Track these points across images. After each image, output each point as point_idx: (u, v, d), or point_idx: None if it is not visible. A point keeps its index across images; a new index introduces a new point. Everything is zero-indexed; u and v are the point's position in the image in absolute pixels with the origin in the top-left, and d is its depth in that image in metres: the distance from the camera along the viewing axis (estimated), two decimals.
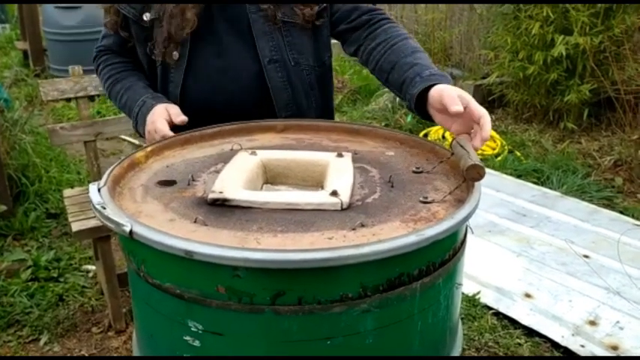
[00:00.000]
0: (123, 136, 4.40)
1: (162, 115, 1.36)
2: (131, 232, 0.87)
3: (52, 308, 2.51)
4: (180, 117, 1.37)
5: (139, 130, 1.46)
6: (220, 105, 1.43)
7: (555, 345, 2.27)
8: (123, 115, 1.53)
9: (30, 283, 2.64)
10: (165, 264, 0.89)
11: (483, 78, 5.08)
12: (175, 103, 1.43)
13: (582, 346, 2.24)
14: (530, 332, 2.34)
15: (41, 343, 2.32)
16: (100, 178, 1.06)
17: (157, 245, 0.85)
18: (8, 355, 2.23)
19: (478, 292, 2.53)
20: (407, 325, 0.94)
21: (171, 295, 0.90)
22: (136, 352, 1.10)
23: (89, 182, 1.26)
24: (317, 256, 0.81)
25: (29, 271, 2.71)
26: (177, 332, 0.92)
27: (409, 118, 4.47)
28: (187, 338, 0.91)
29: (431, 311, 0.97)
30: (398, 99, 4.64)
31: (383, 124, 4.46)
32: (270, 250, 0.83)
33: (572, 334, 2.29)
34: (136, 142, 4.44)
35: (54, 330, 2.38)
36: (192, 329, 0.90)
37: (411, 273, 0.90)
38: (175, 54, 1.42)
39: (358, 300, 0.86)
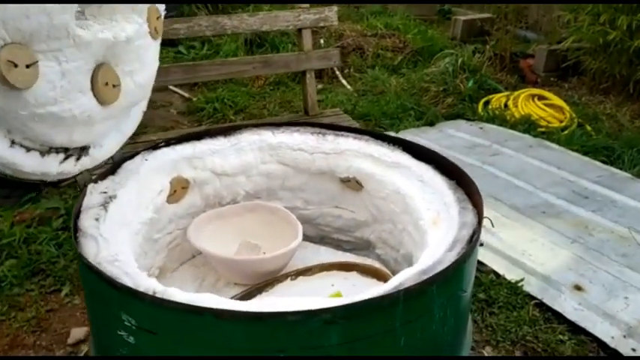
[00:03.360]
0: (172, 87, 4.35)
1: None
2: None
3: (78, 259, 2.48)
4: None
5: None
6: None
7: (603, 345, 2.04)
8: (171, 64, 1.37)
9: (60, 232, 2.62)
10: None
11: (559, 43, 4.67)
12: None
13: (634, 349, 1.99)
14: (575, 329, 2.11)
15: (62, 294, 2.30)
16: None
17: None
18: (29, 304, 2.22)
19: (521, 280, 2.31)
20: (385, 341, 0.77)
21: (104, 281, 0.77)
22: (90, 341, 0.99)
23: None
24: None
25: (61, 219, 2.69)
26: (114, 324, 0.79)
27: (470, 84, 4.16)
28: (122, 333, 0.78)
29: (419, 324, 0.79)
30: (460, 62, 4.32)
31: (441, 88, 4.17)
32: None
33: (624, 336, 2.04)
34: (186, 94, 4.38)
35: (76, 282, 2.35)
36: (126, 323, 0.77)
37: None
38: None
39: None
